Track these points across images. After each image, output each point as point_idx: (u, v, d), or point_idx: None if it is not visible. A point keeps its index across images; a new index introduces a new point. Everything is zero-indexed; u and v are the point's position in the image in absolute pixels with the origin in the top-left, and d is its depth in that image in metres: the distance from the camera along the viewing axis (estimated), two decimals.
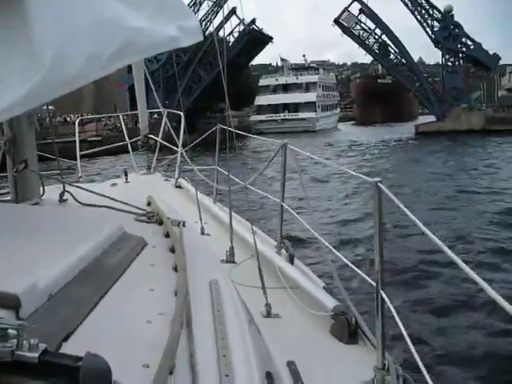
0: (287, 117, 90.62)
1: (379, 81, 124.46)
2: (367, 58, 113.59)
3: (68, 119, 60.60)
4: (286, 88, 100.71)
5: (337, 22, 74.61)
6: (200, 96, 69.39)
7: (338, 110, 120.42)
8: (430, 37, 71.91)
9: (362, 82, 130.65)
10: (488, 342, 8.17)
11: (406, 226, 12.95)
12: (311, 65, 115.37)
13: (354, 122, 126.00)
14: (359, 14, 75.06)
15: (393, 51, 74.93)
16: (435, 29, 71.27)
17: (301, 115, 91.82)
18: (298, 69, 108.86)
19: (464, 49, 71.50)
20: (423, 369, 2.39)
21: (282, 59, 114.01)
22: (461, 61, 72.15)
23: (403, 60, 73.63)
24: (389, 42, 74.64)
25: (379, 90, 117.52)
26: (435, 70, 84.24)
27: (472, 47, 71.39)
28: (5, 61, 2.34)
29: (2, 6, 2.44)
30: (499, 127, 59.63)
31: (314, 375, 2.80)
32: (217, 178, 6.76)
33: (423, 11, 71.97)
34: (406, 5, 72.14)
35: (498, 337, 8.19)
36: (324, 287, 4.09)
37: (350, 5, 75.34)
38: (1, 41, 2.39)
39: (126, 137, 8.82)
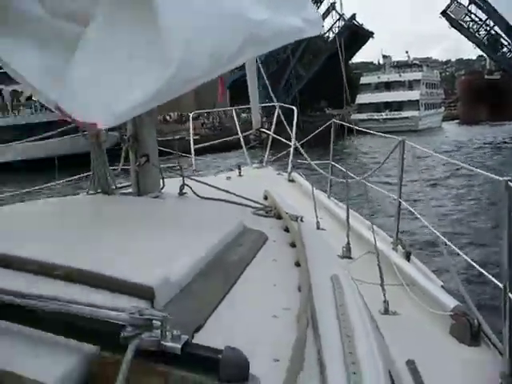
0: (389, 116, 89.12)
1: (486, 77, 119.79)
2: (473, 54, 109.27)
3: (168, 118, 62.63)
4: (388, 86, 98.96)
5: (444, 13, 71.33)
6: (300, 94, 68.31)
7: (442, 108, 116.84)
8: None
9: (467, 79, 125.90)
10: None
11: None
12: (414, 62, 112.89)
13: (457, 120, 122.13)
14: (469, 4, 71.21)
15: (506, 43, 70.36)
16: None
17: (403, 114, 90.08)
18: (401, 66, 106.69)
19: None
20: None
21: (384, 56, 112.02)
22: None
23: None
24: (501, 33, 70.20)
25: (486, 86, 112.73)
26: None
27: None
28: (135, 59, 2.45)
29: (131, 6, 2.54)
30: None
31: (435, 376, 2.77)
32: (331, 173, 6.77)
33: None
34: None
35: None
36: (442, 286, 4.06)
37: None
38: (130, 40, 2.51)
39: (239, 131, 9.04)
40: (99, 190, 4.50)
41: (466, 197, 22.15)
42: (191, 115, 10.84)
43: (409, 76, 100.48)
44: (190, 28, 2.43)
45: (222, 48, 2.57)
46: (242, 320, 2.22)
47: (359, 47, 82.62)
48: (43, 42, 2.83)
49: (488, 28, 71.40)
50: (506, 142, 54.47)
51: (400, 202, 4.93)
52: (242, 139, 8.93)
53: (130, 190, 4.92)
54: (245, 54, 2.78)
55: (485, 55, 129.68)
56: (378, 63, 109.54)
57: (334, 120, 6.63)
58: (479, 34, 71.73)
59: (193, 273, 2.43)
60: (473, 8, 71.58)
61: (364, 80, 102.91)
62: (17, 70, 2.80)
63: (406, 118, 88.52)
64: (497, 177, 2.97)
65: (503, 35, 70.36)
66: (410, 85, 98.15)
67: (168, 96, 2.48)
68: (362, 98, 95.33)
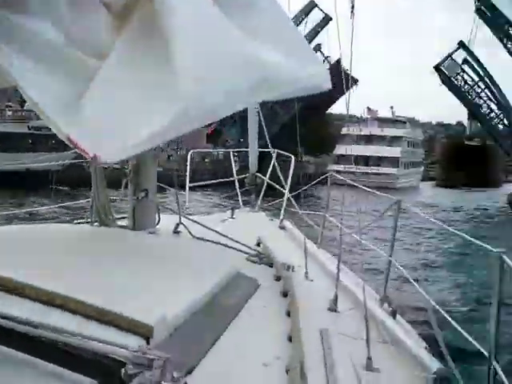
0: (367, 170, 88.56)
1: (466, 142, 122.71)
2: (452, 119, 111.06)
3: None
4: (369, 139, 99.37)
5: (437, 69, 70.73)
6: (276, 137, 68.02)
7: (422, 168, 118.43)
8: None
9: (448, 142, 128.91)
10: None
11: None
12: (398, 118, 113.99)
13: (433, 182, 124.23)
14: (462, 63, 70.88)
15: (496, 109, 69.85)
16: None
17: (382, 170, 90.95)
18: (385, 120, 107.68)
19: None
20: None
21: (369, 109, 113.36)
22: None
23: (505, 120, 68.72)
24: (492, 98, 69.56)
25: (465, 151, 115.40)
26: None
27: None
28: (149, 97, 2.59)
29: (148, 44, 2.73)
30: None
31: None
32: (323, 224, 7.00)
33: None
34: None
35: None
36: (426, 348, 4.15)
37: (454, 51, 71.20)
38: (144, 79, 2.68)
39: (235, 173, 9.31)
40: (96, 219, 4.66)
41: (457, 262, 22.85)
42: (190, 153, 11.09)
43: (391, 132, 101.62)
44: (204, 67, 2.56)
45: (236, 86, 2.71)
46: (233, 365, 2.35)
47: (342, 93, 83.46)
48: (61, 71, 2.95)
49: (479, 90, 71.55)
50: (485, 209, 55.97)
51: (390, 260, 5.09)
52: (236, 182, 9.18)
53: (126, 223, 5.08)
54: (256, 95, 2.99)
55: (464, 122, 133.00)
56: (361, 117, 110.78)
57: (332, 173, 6.94)
58: (470, 96, 71.72)
59: (187, 314, 2.54)
60: (466, 68, 71.66)
61: (345, 131, 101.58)
62: (32, 96, 2.89)
63: (385, 174, 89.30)
64: (490, 248, 3.07)
65: (493, 100, 70.58)
66: (392, 141, 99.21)
67: (179, 131, 2.61)
68: (342, 149, 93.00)
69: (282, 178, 7.96)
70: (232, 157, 10.17)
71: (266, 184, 8.55)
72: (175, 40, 2.54)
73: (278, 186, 8.52)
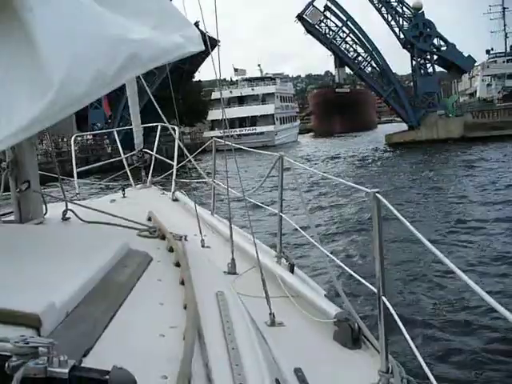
0: (244, 131, 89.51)
1: (337, 90, 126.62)
2: (321, 70, 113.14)
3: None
4: (241, 100, 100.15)
5: (300, 18, 70.11)
6: (145, 111, 65.01)
7: (298, 122, 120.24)
8: (397, 37, 68.87)
9: (319, 93, 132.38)
10: (488, 343, 8.86)
11: (403, 236, 14.01)
12: (267, 75, 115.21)
13: (312, 133, 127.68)
14: (324, 10, 70.73)
15: (362, 52, 70.48)
16: (404, 28, 68.38)
17: (258, 129, 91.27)
18: (254, 80, 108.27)
19: (435, 50, 68.32)
20: (427, 370, 2.66)
21: (236, 69, 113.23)
22: (434, 64, 69.16)
23: (372, 62, 69.77)
24: (357, 41, 70.35)
25: (337, 99, 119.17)
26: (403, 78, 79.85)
27: (445, 48, 68.80)
28: (13, 85, 2.52)
29: (7, 30, 2.62)
30: (481, 134, 58.23)
31: (321, 381, 3.10)
32: (213, 191, 7.19)
33: (390, 9, 68.63)
34: (372, 1, 68.60)
35: (498, 342, 8.87)
36: (325, 295, 4.40)
37: None
38: (8, 65, 2.58)
39: (121, 152, 9.24)
40: None
41: (342, 208, 23.95)
42: (73, 138, 10.85)
43: (262, 89, 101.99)
44: (70, 51, 2.52)
45: (103, 70, 2.66)
46: (130, 340, 2.40)
47: (205, 56, 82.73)
48: None
49: (344, 35, 71.18)
50: (366, 154, 57.39)
51: (281, 215, 5.27)
52: (124, 160, 9.15)
53: (12, 218, 5.00)
54: (126, 75, 2.89)
55: (332, 71, 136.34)
56: (231, 80, 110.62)
57: (214, 138, 7.10)
58: (336, 41, 71.15)
59: (79, 298, 2.55)
60: (328, 14, 71.13)
61: (215, 95, 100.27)
62: None
63: (262, 133, 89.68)
64: (366, 189, 3.25)
65: (358, 43, 70.59)
66: (264, 99, 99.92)
67: (50, 120, 2.53)
68: (215, 114, 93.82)
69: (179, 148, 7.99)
70: (116, 136, 9.99)
71: (154, 159, 8.60)
72: (37, 25, 2.48)
73: (166, 159, 8.64)
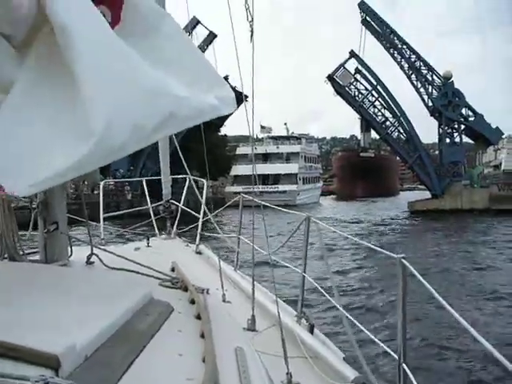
0: (266, 189, 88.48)
1: (361, 154, 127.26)
2: (346, 133, 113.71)
3: None
4: (265, 158, 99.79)
5: (331, 78, 70.59)
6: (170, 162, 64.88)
7: (321, 183, 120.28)
8: (426, 105, 69.31)
9: (344, 155, 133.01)
10: None
11: (428, 302, 13.94)
12: (293, 134, 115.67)
13: (334, 196, 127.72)
14: (355, 73, 71.40)
15: (390, 117, 70.73)
16: (433, 96, 68.79)
17: (281, 188, 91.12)
18: (279, 138, 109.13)
19: (463, 119, 69.07)
20: None
21: (262, 127, 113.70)
22: (461, 133, 69.14)
23: (400, 128, 69.80)
24: (385, 106, 70.65)
25: (361, 163, 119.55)
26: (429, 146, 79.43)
27: (473, 119, 68.73)
28: (58, 129, 2.60)
29: (54, 74, 2.72)
30: (506, 207, 57.35)
31: None
32: (238, 246, 7.26)
33: (420, 76, 69.01)
34: (402, 67, 69.15)
35: None
36: (344, 358, 4.42)
37: (346, 61, 71.24)
38: (52, 110, 2.68)
39: (149, 201, 9.42)
40: (6, 256, 4.64)
41: (366, 271, 24.16)
42: (102, 184, 11.09)
43: (287, 148, 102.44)
44: (113, 101, 2.59)
45: (143, 123, 2.74)
46: None
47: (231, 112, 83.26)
48: None
49: (373, 99, 71.77)
50: (387, 219, 57.38)
51: (304, 275, 5.37)
52: (151, 210, 9.33)
53: (38, 257, 5.08)
54: (164, 130, 3.00)
55: (358, 135, 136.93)
56: (257, 137, 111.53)
57: (242, 194, 7.24)
58: (364, 104, 71.67)
59: (99, 342, 2.56)
60: (358, 77, 71.83)
61: (240, 150, 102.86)
62: None
63: (284, 191, 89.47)
64: (392, 254, 3.33)
65: (387, 108, 70.96)
66: (288, 157, 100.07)
67: (85, 169, 2.58)
68: (238, 170, 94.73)
69: (200, 198, 8.17)
70: (145, 185, 10.16)
71: (180, 210, 8.76)
72: (80, 74, 2.55)
73: (192, 212, 8.78)
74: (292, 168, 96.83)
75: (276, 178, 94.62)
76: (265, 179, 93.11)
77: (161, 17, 3.45)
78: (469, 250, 31.41)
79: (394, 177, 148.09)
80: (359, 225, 51.79)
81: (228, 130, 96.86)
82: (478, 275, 22.59)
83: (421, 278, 2.97)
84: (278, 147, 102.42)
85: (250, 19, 4.45)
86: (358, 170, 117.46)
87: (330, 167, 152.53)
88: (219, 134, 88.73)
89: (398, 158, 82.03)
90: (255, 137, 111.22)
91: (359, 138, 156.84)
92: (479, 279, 21.71)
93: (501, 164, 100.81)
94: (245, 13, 4.45)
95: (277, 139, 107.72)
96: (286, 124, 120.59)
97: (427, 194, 70.41)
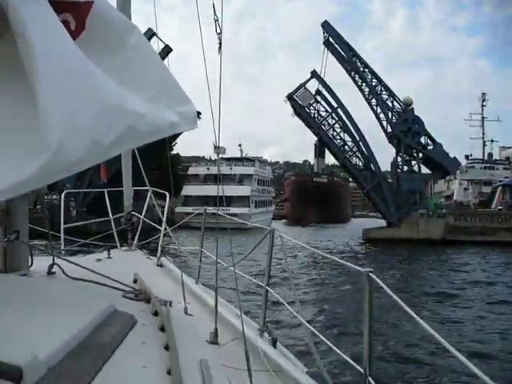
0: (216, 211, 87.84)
1: (314, 179, 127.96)
2: (299, 159, 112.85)
3: None
4: (217, 178, 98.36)
5: (290, 98, 69.13)
6: (116, 176, 60.47)
7: (273, 207, 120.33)
8: (384, 131, 69.10)
9: (297, 180, 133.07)
10: None
11: (394, 315, 14.54)
12: (247, 156, 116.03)
13: (284, 220, 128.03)
14: (316, 94, 70.12)
15: (350, 141, 69.48)
16: (393, 120, 68.01)
17: (232, 210, 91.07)
18: (233, 159, 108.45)
19: (422, 148, 68.33)
20: None
21: (216, 147, 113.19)
22: (419, 162, 68.43)
23: (358, 153, 68.74)
24: (344, 129, 69.41)
25: (315, 189, 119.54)
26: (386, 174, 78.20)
27: (432, 148, 68.61)
28: (11, 143, 2.55)
29: (11, 84, 2.71)
30: (462, 238, 58.18)
31: None
32: (200, 259, 7.38)
33: (381, 101, 68.99)
34: (363, 91, 68.25)
35: None
36: (307, 372, 4.50)
37: (307, 81, 69.86)
38: (8, 125, 2.63)
39: (110, 213, 9.49)
40: None
41: (331, 285, 24.77)
42: (63, 194, 11.08)
43: (240, 170, 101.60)
44: (69, 116, 2.57)
45: (100, 138, 2.72)
46: None
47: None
48: None
49: (333, 121, 70.35)
50: (337, 247, 56.97)
51: (267, 289, 5.48)
52: (112, 222, 9.42)
53: None
54: (121, 147, 2.98)
55: (311, 160, 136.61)
56: (210, 159, 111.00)
57: (206, 208, 7.37)
58: (324, 127, 70.30)
59: (62, 353, 2.60)
60: (319, 99, 70.37)
61: (192, 170, 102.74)
62: None
63: (235, 214, 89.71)
64: (358, 268, 3.42)
65: (347, 132, 69.51)
66: (241, 179, 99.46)
67: (42, 182, 2.56)
68: (189, 190, 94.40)
69: (159, 213, 8.26)
70: (107, 196, 10.17)
71: (141, 222, 8.87)
72: (38, 86, 2.51)
73: (154, 224, 8.94)
74: (245, 190, 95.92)
75: (228, 200, 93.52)
76: (216, 201, 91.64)
77: (127, 28, 3.46)
78: (426, 278, 32.28)
79: (347, 203, 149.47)
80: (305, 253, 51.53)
81: (181, 150, 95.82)
82: (435, 303, 23.19)
83: (389, 291, 3.06)
84: (231, 168, 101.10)
85: (218, 31, 4.44)
86: (310, 195, 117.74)
87: (283, 191, 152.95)
88: (171, 152, 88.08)
89: (355, 183, 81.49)
90: (209, 158, 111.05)
91: (312, 163, 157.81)
92: (438, 308, 22.27)
93: (453, 194, 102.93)
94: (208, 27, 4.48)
95: (230, 160, 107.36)
96: (240, 145, 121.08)
97: (379, 222, 70.25)
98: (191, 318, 5.46)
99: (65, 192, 11.97)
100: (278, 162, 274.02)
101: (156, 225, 8.71)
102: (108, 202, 9.83)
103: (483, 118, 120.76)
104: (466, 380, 10.32)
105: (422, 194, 68.45)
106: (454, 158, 70.65)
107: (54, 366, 2.46)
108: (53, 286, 4.55)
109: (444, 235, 61.01)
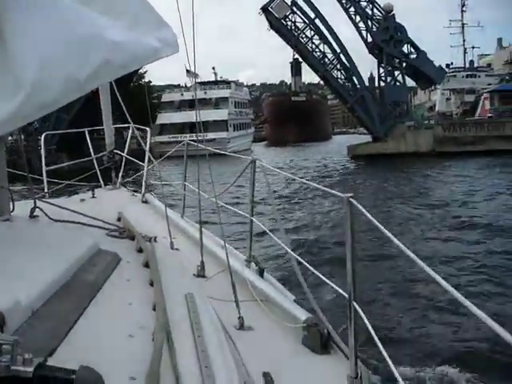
0: (194, 137, 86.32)
1: (292, 98, 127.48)
2: (275, 79, 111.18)
3: None
4: (192, 104, 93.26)
5: (265, 10, 66.16)
6: (83, 111, 53.18)
7: (253, 129, 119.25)
8: (365, 41, 66.22)
9: (275, 100, 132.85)
10: (460, 345, 9.46)
11: (376, 240, 14.79)
12: (222, 79, 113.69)
13: (265, 142, 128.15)
14: (292, 5, 66.73)
15: (330, 53, 66.72)
16: (373, 30, 65.26)
17: (210, 135, 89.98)
18: (207, 83, 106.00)
19: (404, 57, 66.01)
20: (397, 375, 2.74)
21: (188, 71, 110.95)
22: (403, 72, 66.25)
23: (339, 66, 66.20)
24: (324, 41, 66.38)
25: (293, 108, 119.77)
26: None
27: (415, 56, 66.19)
28: None
29: None
30: (452, 149, 57.55)
31: None
32: (184, 193, 7.39)
33: (360, 9, 65.86)
34: (340, 0, 64.63)
35: (471, 340, 9.48)
36: (295, 300, 4.56)
37: None
38: None
39: (92, 152, 9.44)
40: None
41: (314, 213, 24.80)
42: (43, 136, 10.91)
43: (216, 93, 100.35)
44: (42, 53, 2.53)
45: (77, 72, 2.68)
46: (97, 340, 2.50)
47: None
48: None
49: (311, 33, 67.10)
50: (323, 167, 56.52)
51: (252, 219, 5.49)
52: (95, 161, 9.40)
53: None
54: (98, 81, 2.96)
55: (287, 80, 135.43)
56: (185, 85, 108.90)
57: (186, 140, 7.32)
58: (302, 39, 67.08)
59: (46, 296, 2.63)
60: (295, 9, 66.61)
61: (166, 97, 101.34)
62: None
63: (213, 139, 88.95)
64: (339, 193, 3.40)
65: (326, 44, 66.71)
66: (217, 103, 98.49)
67: (22, 121, 2.59)
68: (164, 118, 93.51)
69: (144, 146, 8.23)
70: (87, 136, 10.03)
71: (124, 160, 8.85)
72: (8, 24, 2.49)
73: (136, 161, 8.95)
74: (222, 114, 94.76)
75: (205, 126, 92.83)
76: (192, 127, 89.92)
77: None
78: (419, 191, 32.49)
79: (327, 121, 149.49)
80: (301, 171, 50.99)
81: (153, 79, 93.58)
82: (429, 212, 23.71)
83: (369, 216, 3.09)
84: (205, 92, 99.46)
85: None
86: (289, 115, 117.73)
87: (261, 113, 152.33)
88: (142, 80, 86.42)
89: (336, 99, 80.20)
90: (184, 85, 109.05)
91: (289, 83, 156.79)
92: (431, 215, 22.90)
93: (435, 105, 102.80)
94: None
95: (204, 84, 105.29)
96: (214, 68, 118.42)
97: (361, 138, 69.98)
98: (178, 253, 5.53)
99: (45, 134, 11.70)
100: (254, 85, 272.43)
101: (139, 161, 8.67)
102: (89, 140, 9.69)
103: (463, 24, 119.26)
104: (446, 305, 10.68)
105: (407, 106, 67.20)
106: (440, 66, 69.28)
107: (38, 308, 2.49)
108: (35, 229, 4.58)
109: (433, 147, 60.24)
